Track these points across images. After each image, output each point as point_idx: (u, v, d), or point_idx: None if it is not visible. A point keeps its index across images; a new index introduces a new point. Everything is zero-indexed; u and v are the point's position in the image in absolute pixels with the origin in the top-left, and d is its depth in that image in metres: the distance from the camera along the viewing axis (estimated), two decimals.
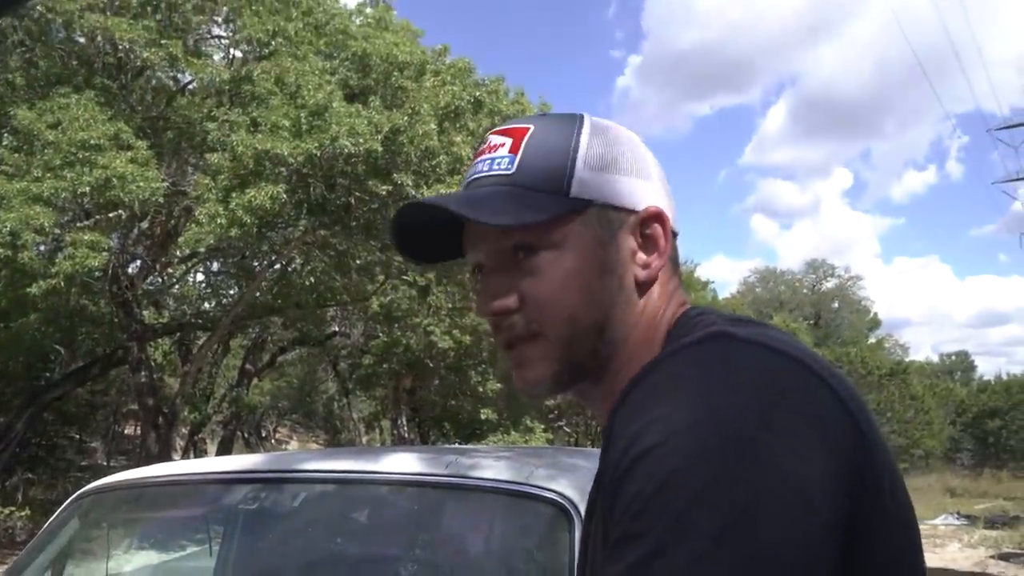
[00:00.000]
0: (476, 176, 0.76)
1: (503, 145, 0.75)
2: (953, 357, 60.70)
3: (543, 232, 0.72)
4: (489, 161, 0.75)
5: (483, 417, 18.07)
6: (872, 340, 46.99)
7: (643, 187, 0.76)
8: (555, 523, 1.49)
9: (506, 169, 0.74)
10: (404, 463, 1.78)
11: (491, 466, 1.69)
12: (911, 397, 38.97)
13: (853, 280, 48.54)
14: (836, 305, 47.39)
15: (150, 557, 2.46)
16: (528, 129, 0.75)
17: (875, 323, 49.03)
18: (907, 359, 47.25)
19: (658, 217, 0.76)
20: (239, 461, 2.09)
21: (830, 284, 48.40)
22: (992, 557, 13.36)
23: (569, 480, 1.59)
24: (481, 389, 17.45)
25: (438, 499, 1.70)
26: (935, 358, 60.48)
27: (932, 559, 12.33)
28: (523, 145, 0.74)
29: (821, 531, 0.55)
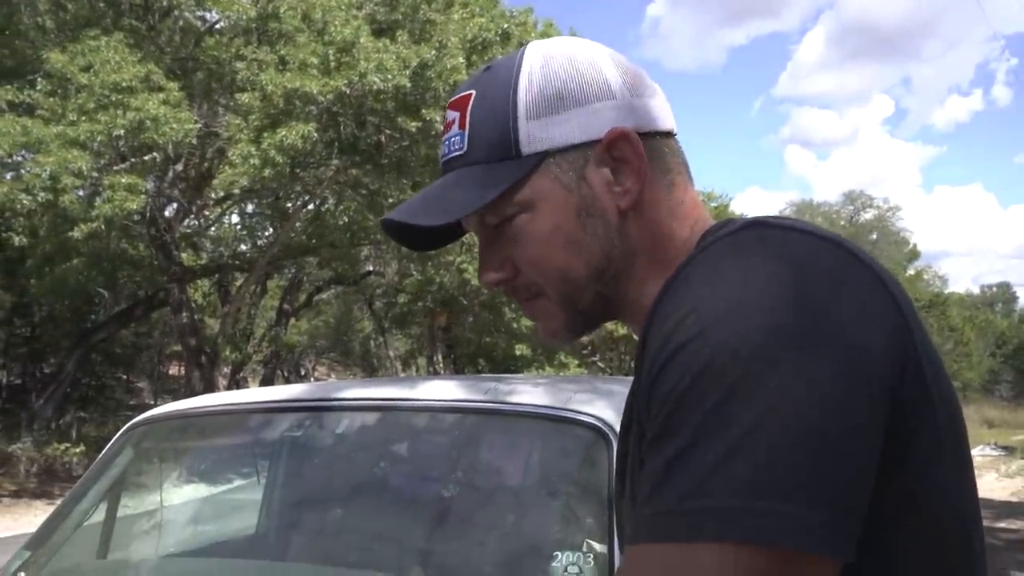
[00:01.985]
0: (443, 161, 0.75)
1: (454, 122, 0.73)
2: (994, 288, 59.56)
3: (510, 200, 0.70)
4: (447, 143, 0.74)
5: (518, 353, 18.27)
6: (911, 272, 46.22)
7: (599, 111, 0.70)
8: (593, 445, 1.52)
9: (459, 150, 0.72)
10: (444, 390, 1.81)
11: (529, 392, 1.71)
12: (950, 329, 38.49)
13: (892, 211, 47.53)
14: (874, 237, 46.49)
15: (200, 487, 2.56)
16: (471, 96, 0.72)
17: (914, 254, 48.15)
18: (946, 291, 46.56)
19: (622, 137, 0.70)
20: (285, 391, 2.15)
21: (868, 215, 47.47)
22: None
23: (606, 404, 1.60)
24: (515, 325, 17.58)
25: (478, 424, 1.73)
26: (976, 290, 59.47)
27: None
28: (468, 117, 0.72)
29: (868, 410, 0.54)
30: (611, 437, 1.50)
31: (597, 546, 1.40)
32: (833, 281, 0.57)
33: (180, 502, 2.48)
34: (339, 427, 1.96)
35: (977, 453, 18.86)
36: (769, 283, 0.56)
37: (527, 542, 1.56)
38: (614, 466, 1.42)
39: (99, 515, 2.15)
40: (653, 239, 0.72)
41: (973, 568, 0.63)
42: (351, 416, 1.93)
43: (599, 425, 1.52)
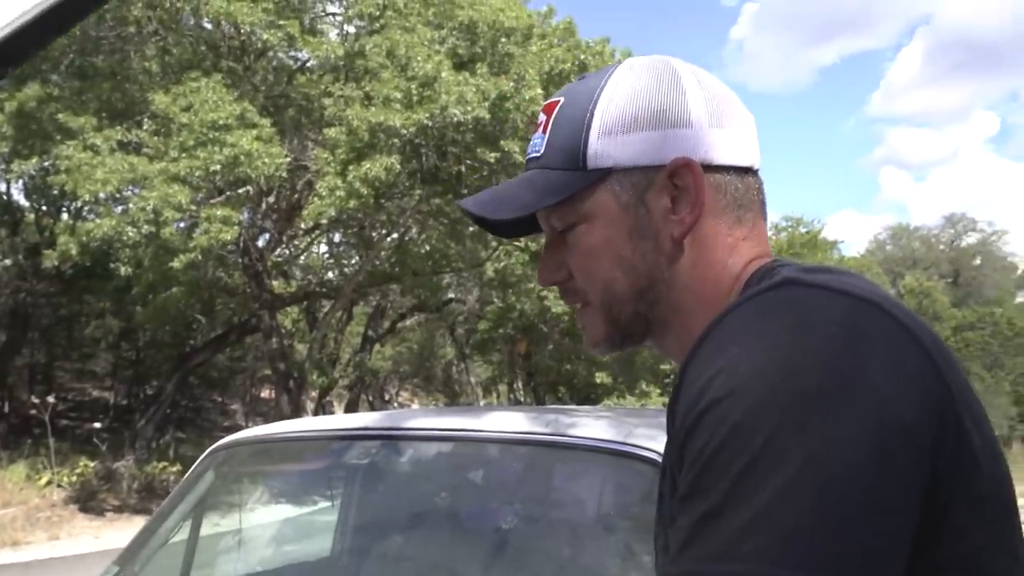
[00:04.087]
0: (526, 159, 0.78)
1: (541, 125, 0.76)
2: None
3: (571, 209, 0.72)
4: (532, 143, 0.77)
5: (598, 381, 18.12)
6: (1020, 299, 43.52)
7: (671, 137, 0.71)
8: (652, 480, 1.50)
9: (537, 152, 0.75)
10: (509, 422, 1.84)
11: (590, 425, 1.71)
12: None
13: (997, 235, 44.99)
14: (978, 262, 44.10)
15: (278, 509, 2.65)
16: (558, 103, 0.75)
17: (1022, 281, 45.32)
18: None
19: (685, 166, 0.70)
20: (358, 419, 2.22)
21: (971, 239, 45.10)
22: None
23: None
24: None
25: (540, 457, 1.74)
26: None
27: None
28: (551, 123, 0.74)
29: (900, 479, 0.52)
30: None
31: None
32: (864, 345, 0.56)
33: (258, 523, 2.58)
34: (407, 456, 2.02)
35: None
36: (797, 347, 0.56)
37: None
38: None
39: (183, 534, 2.26)
40: (704, 273, 0.72)
41: None
42: (418, 445, 1.98)
43: (659, 459, 1.51)
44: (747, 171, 0.75)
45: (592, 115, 0.72)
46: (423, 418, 2.05)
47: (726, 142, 0.73)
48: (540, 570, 1.61)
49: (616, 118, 0.71)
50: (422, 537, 1.84)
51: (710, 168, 0.72)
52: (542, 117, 0.76)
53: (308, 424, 2.42)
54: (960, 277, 42.72)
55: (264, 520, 2.60)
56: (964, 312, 36.39)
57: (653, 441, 1.58)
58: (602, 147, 0.71)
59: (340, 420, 2.26)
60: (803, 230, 26.50)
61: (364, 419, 2.24)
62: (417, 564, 1.86)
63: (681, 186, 0.71)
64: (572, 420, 1.76)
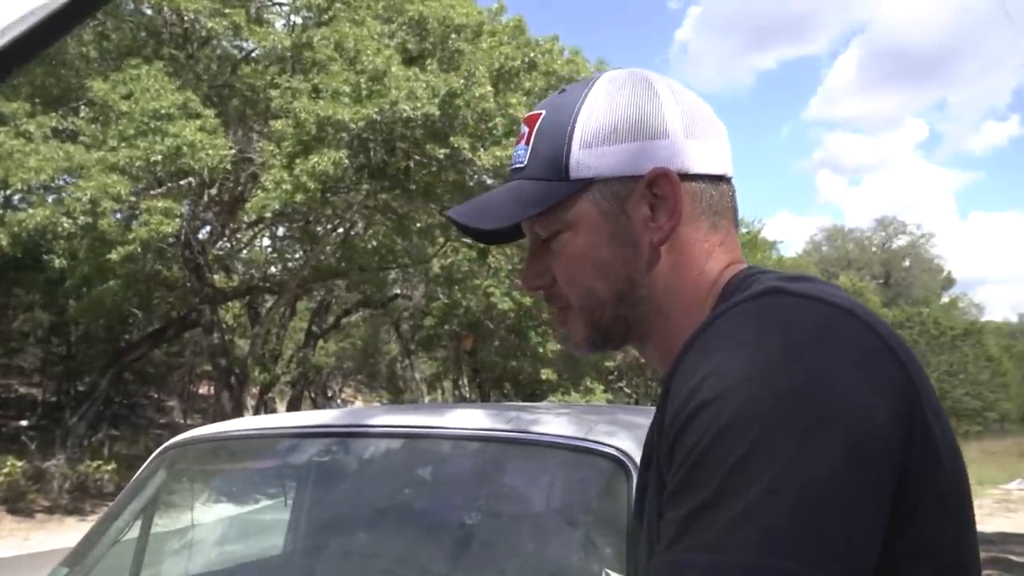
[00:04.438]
0: (510, 169, 0.82)
1: (523, 136, 0.79)
2: None
3: (556, 217, 0.76)
4: (515, 154, 0.80)
5: (543, 377, 18.24)
6: (945, 299, 45.43)
7: (649, 148, 0.74)
8: (613, 476, 1.54)
9: (520, 163, 0.79)
10: (469, 419, 1.86)
11: (551, 422, 1.74)
12: (987, 358, 37.64)
13: (926, 237, 46.92)
14: (907, 263, 45.84)
15: (230, 508, 2.62)
16: (540, 116, 0.78)
17: (949, 282, 47.33)
18: (982, 319, 45.59)
19: (663, 176, 0.74)
20: (315, 416, 2.21)
21: (901, 242, 46.88)
22: None
23: (627, 435, 1.63)
24: (541, 350, 17.57)
25: (501, 453, 1.77)
26: (1013, 318, 58.10)
27: (1004, 524, 12.03)
28: (533, 135, 0.77)
29: (873, 477, 0.57)
30: (631, 468, 1.53)
31: (615, 575, 1.43)
32: (845, 350, 0.60)
33: (210, 522, 2.54)
34: (366, 453, 2.01)
35: (1014, 487, 18.35)
36: (782, 352, 0.60)
37: (547, 570, 1.59)
38: (633, 496, 1.46)
39: (133, 532, 2.22)
40: (682, 277, 0.76)
41: None
42: (377, 443, 1.98)
43: (620, 456, 1.55)
44: (721, 179, 0.79)
45: (574, 127, 0.75)
46: (383, 415, 2.05)
47: (701, 152, 0.76)
48: (503, 564, 1.64)
49: (596, 130, 0.74)
50: (382, 534, 1.85)
51: (686, 177, 0.75)
52: (524, 129, 0.79)
53: (262, 422, 2.40)
54: (891, 278, 44.31)
55: (216, 518, 2.56)
56: (894, 312, 37.76)
57: (613, 437, 1.62)
58: (584, 158, 0.74)
59: (296, 418, 2.24)
60: (744, 230, 27.15)
61: (321, 416, 2.23)
62: (373, 561, 1.86)
63: (659, 195, 0.75)
64: (534, 417, 1.79)
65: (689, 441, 0.60)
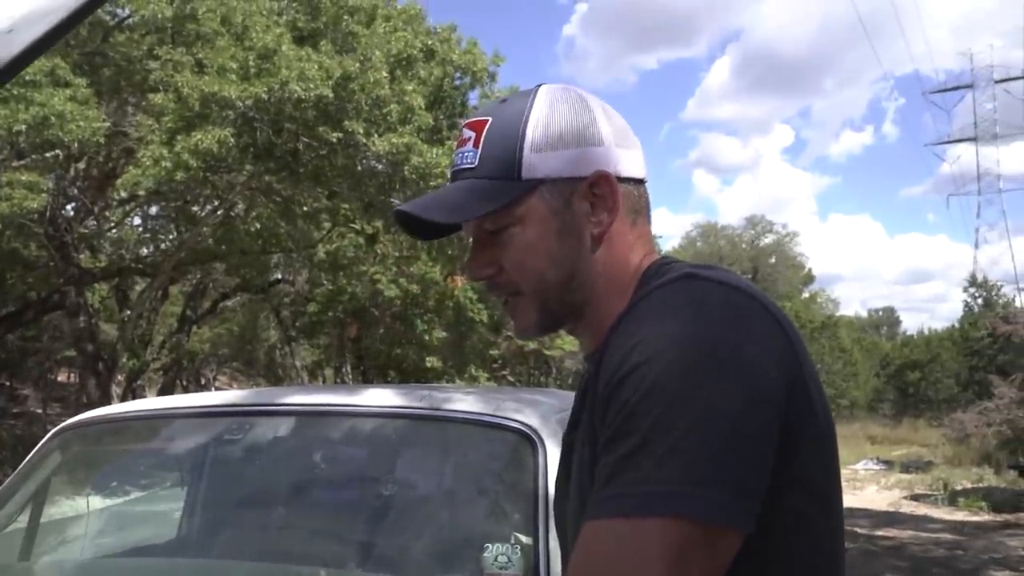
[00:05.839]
0: (454, 169, 0.91)
1: (469, 140, 0.88)
2: (880, 312, 63.46)
3: (506, 213, 0.86)
4: (460, 155, 0.90)
5: (428, 365, 18.26)
6: (806, 295, 48.64)
7: (590, 153, 0.87)
8: (521, 448, 1.68)
9: (471, 163, 0.88)
10: (382, 397, 1.94)
11: (462, 400, 1.85)
12: (840, 350, 40.67)
13: (790, 236, 49.94)
14: (773, 260, 48.74)
15: (129, 490, 2.57)
16: (487, 122, 0.88)
17: (809, 278, 50.68)
18: (837, 314, 49.21)
19: (604, 178, 0.87)
20: (222, 396, 2.21)
21: (768, 240, 49.72)
22: (905, 498, 14.32)
23: (532, 411, 1.77)
24: (427, 338, 17.59)
25: (415, 429, 1.86)
26: (864, 313, 63.17)
27: (852, 500, 13.13)
28: (483, 139, 0.87)
29: (766, 422, 0.72)
30: (536, 441, 1.67)
31: (523, 538, 1.56)
32: (744, 323, 0.76)
33: (106, 505, 2.49)
34: (276, 432, 2.05)
35: (860, 467, 20.00)
36: (696, 325, 0.75)
37: (460, 535, 1.70)
38: (540, 468, 1.59)
39: (24, 519, 2.15)
40: (614, 264, 0.89)
41: (837, 551, 0.84)
42: (289, 421, 2.02)
43: (526, 430, 1.69)
44: (640, 182, 0.93)
45: (524, 133, 0.86)
46: (294, 395, 2.09)
47: (627, 159, 0.91)
48: (419, 532, 1.73)
49: (543, 137, 0.86)
50: (298, 509, 1.90)
51: (619, 179, 0.89)
52: (469, 133, 0.89)
53: (163, 403, 2.37)
54: (758, 273, 46.97)
55: (112, 501, 2.51)
56: None
57: (520, 413, 1.75)
58: (535, 161, 0.86)
59: (200, 398, 2.24)
60: None
61: (228, 396, 2.23)
62: (287, 534, 1.91)
63: (599, 194, 0.88)
64: (445, 396, 1.89)
65: (623, 397, 0.73)
